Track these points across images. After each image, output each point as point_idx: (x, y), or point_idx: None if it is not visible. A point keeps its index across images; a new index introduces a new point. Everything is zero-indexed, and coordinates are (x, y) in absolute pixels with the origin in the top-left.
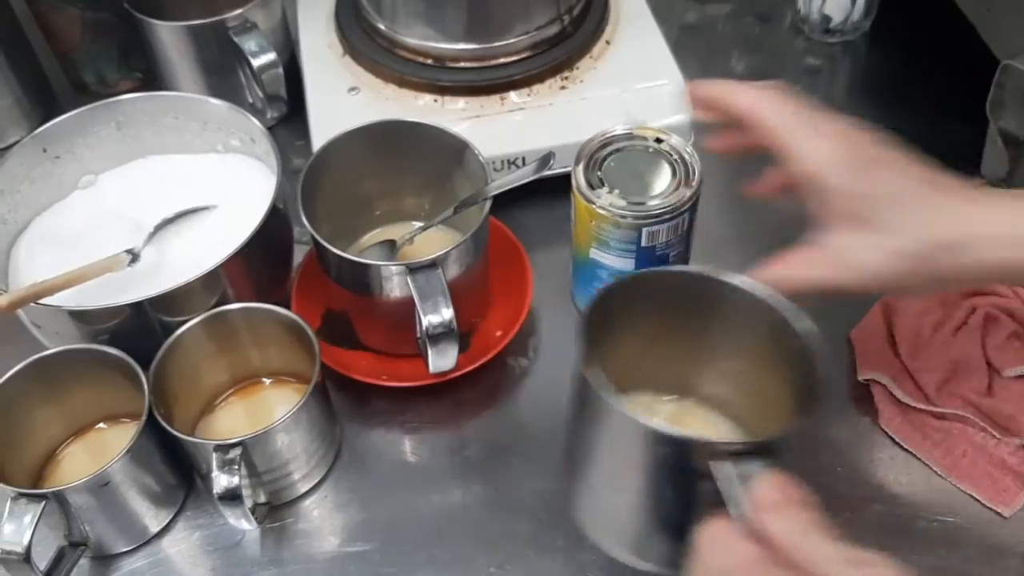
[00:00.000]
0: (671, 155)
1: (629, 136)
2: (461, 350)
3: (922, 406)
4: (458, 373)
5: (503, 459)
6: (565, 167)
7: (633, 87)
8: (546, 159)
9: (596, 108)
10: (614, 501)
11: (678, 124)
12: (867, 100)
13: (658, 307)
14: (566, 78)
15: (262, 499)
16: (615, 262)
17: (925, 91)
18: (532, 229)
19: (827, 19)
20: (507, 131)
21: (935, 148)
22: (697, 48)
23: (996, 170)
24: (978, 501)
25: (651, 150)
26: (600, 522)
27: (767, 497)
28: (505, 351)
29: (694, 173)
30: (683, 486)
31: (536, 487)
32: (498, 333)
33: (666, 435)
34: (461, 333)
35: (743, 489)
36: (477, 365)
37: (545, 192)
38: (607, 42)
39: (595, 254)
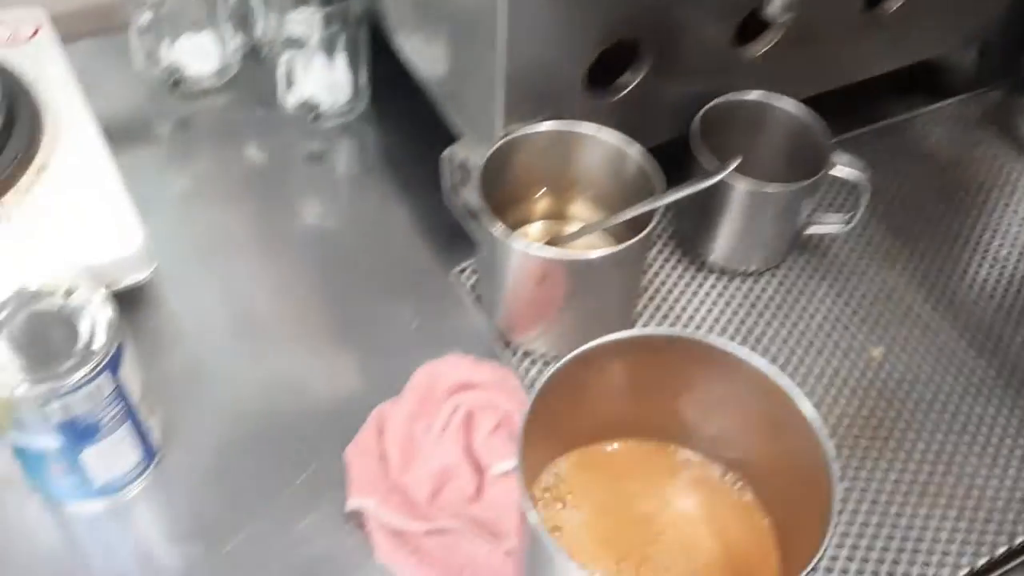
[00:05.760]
0: (80, 309)
1: (34, 295)
2: None
3: (414, 526)
4: None
5: None
6: None
7: (70, 222)
8: None
9: (28, 253)
10: None
11: (124, 257)
12: (374, 183)
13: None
14: None
15: None
16: (39, 442)
17: (428, 168)
18: None
19: (313, 106)
20: None
21: (436, 227)
22: (195, 144)
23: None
24: None
25: (60, 307)
26: None
27: None
28: None
29: (106, 328)
30: None
31: None
32: None
33: None
34: None
35: None
36: None
37: None
38: (41, 168)
39: (18, 439)
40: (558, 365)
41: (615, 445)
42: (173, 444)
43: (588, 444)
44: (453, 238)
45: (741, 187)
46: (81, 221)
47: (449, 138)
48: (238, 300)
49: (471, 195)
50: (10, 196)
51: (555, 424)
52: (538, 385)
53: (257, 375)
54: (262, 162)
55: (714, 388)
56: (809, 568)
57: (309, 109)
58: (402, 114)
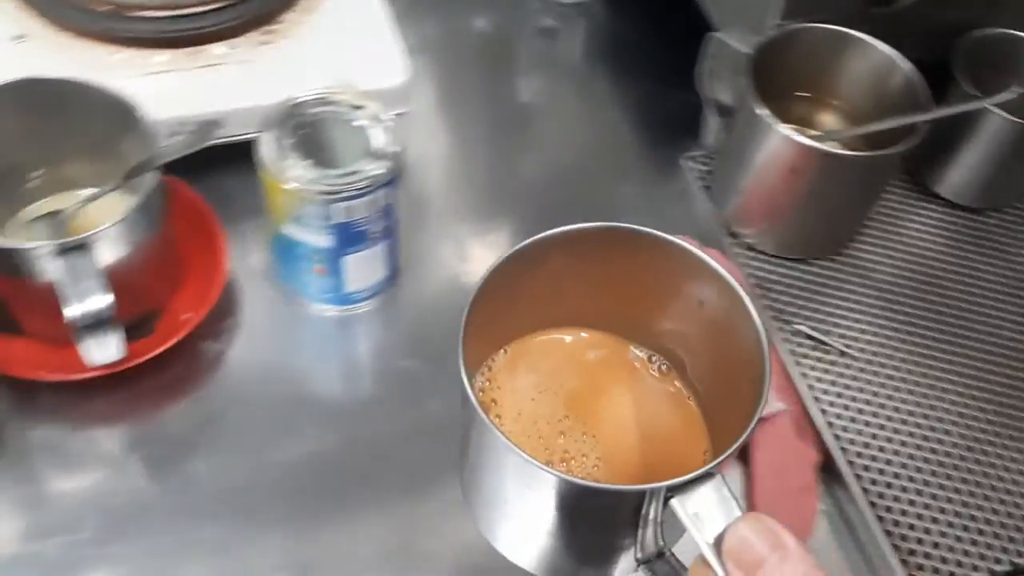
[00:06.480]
0: (369, 125)
1: (325, 101)
2: (143, 335)
3: None
4: (136, 361)
5: (188, 456)
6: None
7: (343, 45)
8: (207, 128)
9: (301, 67)
10: (533, 533)
11: (388, 89)
12: (601, 64)
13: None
14: (269, 32)
15: None
16: (311, 238)
17: (657, 56)
18: (241, 196)
19: None
20: (200, 90)
21: (658, 114)
22: (428, 8)
23: (713, 140)
24: None
25: (348, 118)
26: (514, 544)
27: (744, 553)
28: (195, 335)
29: (392, 146)
30: (623, 526)
31: (224, 485)
32: (187, 315)
33: (592, 489)
34: (144, 315)
35: (706, 541)
36: (158, 352)
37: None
38: None
39: (288, 230)
40: (503, 256)
41: (542, 337)
42: (406, 271)
43: (518, 338)
44: (676, 128)
45: (997, 119)
46: (353, 46)
47: (680, 30)
48: (463, 159)
49: (723, 84)
50: (289, 15)
51: (490, 321)
52: (485, 275)
53: (479, 229)
54: (493, 30)
55: (651, 280)
56: (736, 446)
57: None
58: (635, 1)
